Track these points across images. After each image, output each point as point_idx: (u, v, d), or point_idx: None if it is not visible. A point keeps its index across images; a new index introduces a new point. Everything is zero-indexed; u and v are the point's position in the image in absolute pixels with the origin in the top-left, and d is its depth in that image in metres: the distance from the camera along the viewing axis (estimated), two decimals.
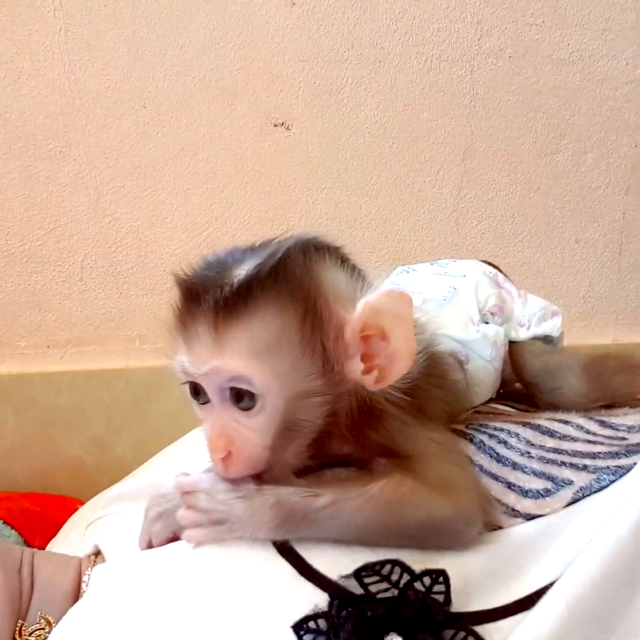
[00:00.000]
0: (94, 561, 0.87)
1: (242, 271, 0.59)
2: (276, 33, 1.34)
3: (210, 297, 0.58)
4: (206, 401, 0.62)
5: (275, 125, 1.38)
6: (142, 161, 1.34)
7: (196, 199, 1.37)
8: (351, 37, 1.37)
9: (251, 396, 0.58)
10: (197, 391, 0.62)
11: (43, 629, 0.79)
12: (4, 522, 1.12)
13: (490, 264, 0.92)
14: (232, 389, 0.59)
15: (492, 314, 0.82)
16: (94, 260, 1.36)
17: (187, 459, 0.70)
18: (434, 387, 0.69)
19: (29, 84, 1.27)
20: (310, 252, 0.62)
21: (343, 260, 0.64)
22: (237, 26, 1.32)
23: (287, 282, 0.59)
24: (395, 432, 0.63)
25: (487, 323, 0.81)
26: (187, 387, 0.63)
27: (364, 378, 0.60)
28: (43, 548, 1.08)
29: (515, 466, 0.68)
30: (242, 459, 0.59)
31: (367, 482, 0.59)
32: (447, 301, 0.81)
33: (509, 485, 0.66)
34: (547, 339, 0.87)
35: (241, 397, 0.59)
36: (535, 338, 0.86)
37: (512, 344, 0.85)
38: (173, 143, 1.34)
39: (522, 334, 0.85)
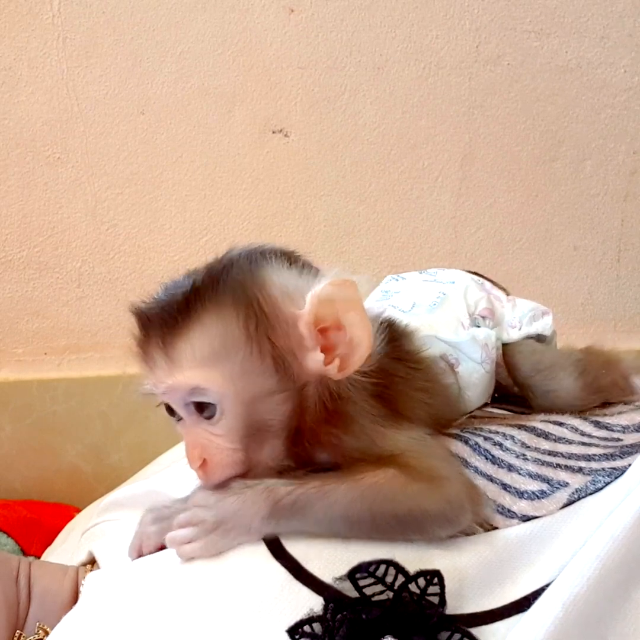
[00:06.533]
0: (91, 569, 0.87)
1: (184, 289, 0.61)
2: (275, 40, 1.34)
3: (157, 319, 0.61)
4: (181, 418, 0.63)
5: (273, 132, 1.38)
6: (140, 168, 1.34)
7: (194, 206, 1.37)
8: (350, 44, 1.37)
9: (210, 405, 0.60)
10: (171, 410, 0.64)
11: (41, 639, 0.79)
12: (0, 530, 1.12)
13: (477, 274, 0.93)
14: (193, 401, 0.61)
15: (483, 317, 0.83)
16: (91, 267, 1.36)
17: (184, 467, 0.70)
18: (418, 391, 0.69)
19: (27, 91, 1.28)
20: (255, 258, 0.63)
21: (294, 261, 0.64)
22: (235, 33, 1.32)
23: (227, 289, 0.60)
24: (374, 434, 0.63)
25: (478, 327, 0.81)
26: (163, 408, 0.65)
27: (327, 369, 0.60)
28: (40, 556, 1.08)
29: (510, 468, 0.68)
30: (216, 463, 0.61)
31: (355, 473, 0.60)
32: (437, 306, 0.81)
33: (505, 487, 0.66)
34: (539, 338, 0.87)
35: (203, 408, 0.61)
36: (528, 337, 0.86)
37: (505, 346, 0.85)
38: (171, 150, 1.35)
39: (513, 335, 0.85)
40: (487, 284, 0.90)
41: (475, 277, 0.90)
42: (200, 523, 0.59)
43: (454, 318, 0.80)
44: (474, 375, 0.79)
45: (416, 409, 0.68)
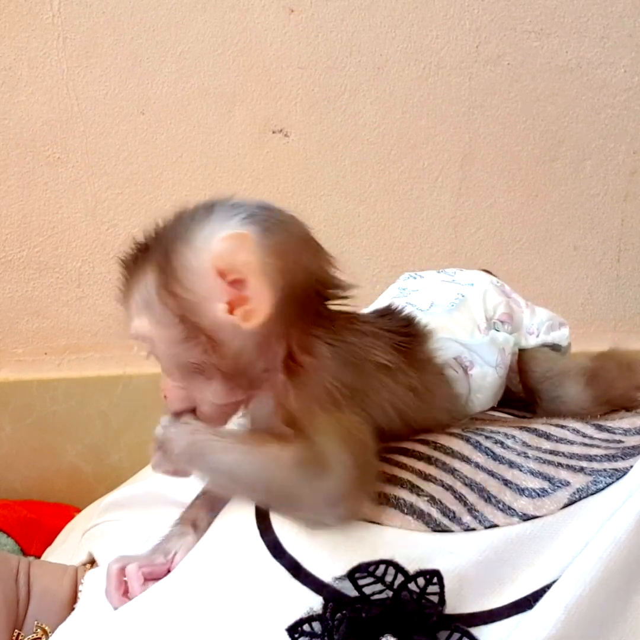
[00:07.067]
0: (90, 570, 0.87)
1: (136, 244, 0.67)
2: (275, 40, 1.34)
3: (121, 271, 0.67)
4: None
5: (273, 132, 1.38)
6: (140, 168, 1.34)
7: None
8: (350, 44, 1.37)
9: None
10: None
11: (39, 638, 0.79)
12: (0, 530, 1.12)
13: (487, 271, 0.93)
14: None
15: (502, 322, 0.82)
16: (92, 267, 1.36)
17: None
18: (401, 386, 0.68)
19: (27, 91, 1.28)
20: (198, 212, 0.65)
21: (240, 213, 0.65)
22: (235, 33, 1.32)
23: (158, 245, 0.65)
24: (309, 402, 0.63)
25: (497, 331, 0.81)
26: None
27: (233, 319, 0.62)
28: (40, 556, 1.08)
29: (511, 465, 0.68)
30: (171, 396, 0.67)
31: (265, 441, 0.62)
32: (455, 307, 0.81)
33: (506, 483, 0.66)
34: (555, 348, 0.87)
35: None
36: (544, 345, 0.86)
37: (520, 351, 0.85)
38: (171, 150, 1.35)
39: (531, 341, 0.85)
40: (507, 287, 0.90)
41: (494, 280, 0.89)
42: (154, 439, 0.66)
43: (470, 320, 0.80)
44: (487, 379, 0.79)
45: (384, 401, 0.67)
